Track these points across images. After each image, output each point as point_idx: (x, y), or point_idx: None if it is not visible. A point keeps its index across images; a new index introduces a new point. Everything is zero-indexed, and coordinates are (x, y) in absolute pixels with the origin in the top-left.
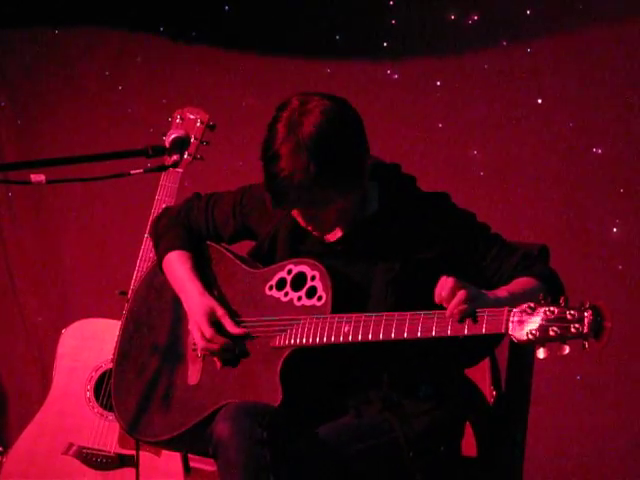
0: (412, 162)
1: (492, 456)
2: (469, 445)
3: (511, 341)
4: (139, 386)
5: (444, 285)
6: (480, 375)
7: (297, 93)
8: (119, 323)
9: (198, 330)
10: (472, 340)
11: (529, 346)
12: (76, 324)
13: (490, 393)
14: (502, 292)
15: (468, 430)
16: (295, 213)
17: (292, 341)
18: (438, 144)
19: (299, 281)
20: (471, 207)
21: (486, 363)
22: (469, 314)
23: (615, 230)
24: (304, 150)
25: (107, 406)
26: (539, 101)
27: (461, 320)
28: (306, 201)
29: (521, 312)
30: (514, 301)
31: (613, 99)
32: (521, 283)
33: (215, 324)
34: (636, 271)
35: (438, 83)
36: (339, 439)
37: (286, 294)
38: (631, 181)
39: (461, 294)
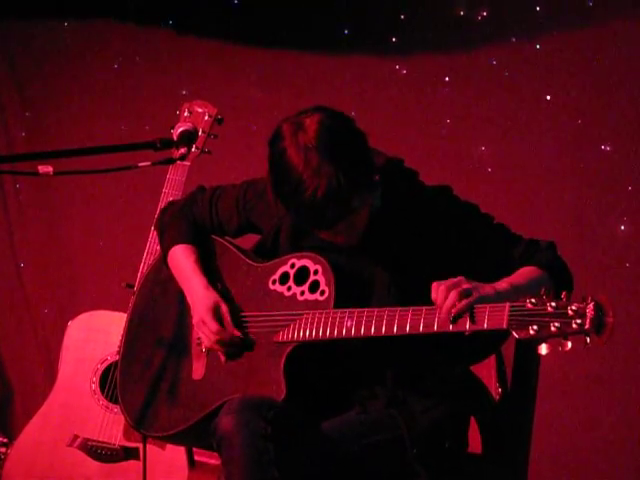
0: (420, 157)
1: (497, 453)
2: (474, 442)
3: (518, 340)
4: (144, 381)
5: (436, 287)
6: (486, 372)
7: (280, 122)
8: (125, 316)
9: (203, 324)
10: (478, 337)
11: (531, 342)
12: (82, 316)
13: (496, 390)
14: (503, 284)
15: (473, 427)
16: (326, 234)
17: (295, 336)
18: (446, 140)
19: (302, 275)
20: (478, 203)
21: (492, 360)
22: (465, 311)
23: (622, 227)
24: (324, 161)
25: (112, 398)
26: (547, 98)
27: (454, 320)
28: (344, 211)
29: (522, 308)
30: (515, 293)
31: (622, 96)
32: (524, 273)
33: (219, 318)
34: None
35: (446, 79)
36: (343, 434)
37: (289, 288)
38: (639, 178)
39: (455, 292)
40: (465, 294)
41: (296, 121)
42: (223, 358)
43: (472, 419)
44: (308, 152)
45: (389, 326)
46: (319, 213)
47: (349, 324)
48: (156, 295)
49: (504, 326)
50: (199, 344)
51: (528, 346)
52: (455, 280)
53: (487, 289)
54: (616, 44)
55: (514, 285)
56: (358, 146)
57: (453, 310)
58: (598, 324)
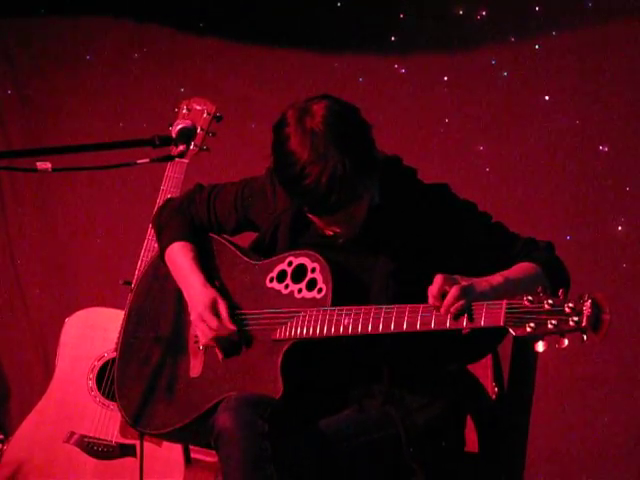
0: (418, 156)
1: (494, 452)
2: (471, 441)
3: (514, 338)
4: (142, 378)
5: (434, 283)
6: (482, 372)
7: (286, 108)
8: (122, 313)
9: (201, 321)
10: (475, 336)
11: (527, 339)
12: (80, 313)
13: (492, 390)
14: (498, 277)
15: (470, 426)
16: (326, 222)
17: (292, 333)
18: (444, 139)
19: (300, 273)
20: (476, 202)
21: (488, 360)
22: (464, 310)
23: (620, 228)
24: (330, 145)
25: (109, 395)
26: (546, 98)
27: (456, 317)
28: (348, 198)
29: (520, 305)
30: (509, 286)
31: (620, 97)
32: (519, 268)
33: (217, 315)
34: None
35: (445, 78)
36: (340, 432)
37: (287, 286)
38: (637, 179)
39: (454, 290)
40: (463, 293)
41: (303, 106)
42: (220, 355)
43: (469, 418)
44: (315, 136)
45: (386, 324)
46: (323, 197)
47: (346, 322)
48: (154, 292)
49: (501, 323)
50: (196, 342)
51: (525, 345)
52: (452, 279)
53: (482, 284)
54: (615, 45)
55: (508, 278)
56: (364, 134)
57: (452, 309)
58: (595, 321)
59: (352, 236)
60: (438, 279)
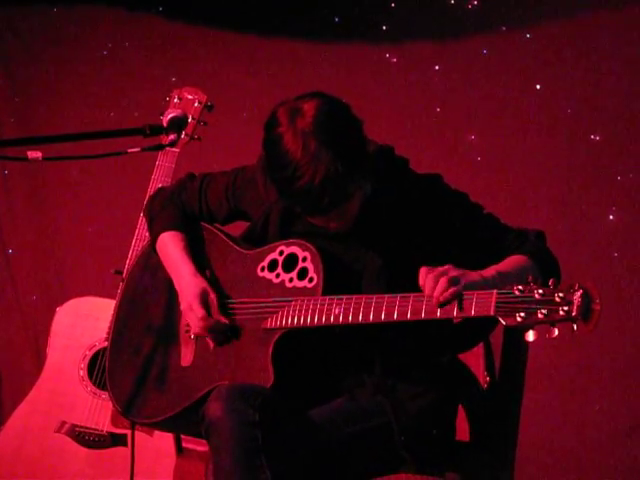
0: (410, 146)
1: (485, 441)
2: (462, 430)
3: (505, 327)
4: (133, 367)
5: (424, 273)
6: (474, 361)
7: (276, 106)
8: (114, 302)
9: (190, 311)
10: (466, 325)
11: (518, 329)
12: (71, 302)
13: (484, 379)
14: (490, 271)
15: (461, 415)
16: (319, 220)
17: (283, 323)
18: (436, 128)
19: (291, 262)
20: (467, 191)
21: (480, 349)
22: (455, 297)
23: (611, 217)
24: (322, 146)
25: (100, 385)
26: (537, 87)
27: (442, 306)
28: (340, 198)
29: (510, 294)
30: (501, 279)
31: (612, 86)
32: (511, 261)
33: (207, 305)
34: (631, 258)
35: (437, 67)
36: (331, 421)
37: (277, 275)
38: (628, 168)
39: (443, 280)
40: (453, 282)
41: (294, 106)
42: (211, 345)
43: (460, 407)
44: (306, 138)
45: (377, 313)
46: (316, 199)
47: (337, 311)
48: (145, 282)
49: (491, 313)
50: (187, 331)
51: (517, 335)
52: (443, 268)
53: (474, 276)
54: (607, 33)
55: (500, 272)
56: (355, 133)
57: (441, 298)
58: (585, 311)
59: (346, 230)
60: (422, 272)
